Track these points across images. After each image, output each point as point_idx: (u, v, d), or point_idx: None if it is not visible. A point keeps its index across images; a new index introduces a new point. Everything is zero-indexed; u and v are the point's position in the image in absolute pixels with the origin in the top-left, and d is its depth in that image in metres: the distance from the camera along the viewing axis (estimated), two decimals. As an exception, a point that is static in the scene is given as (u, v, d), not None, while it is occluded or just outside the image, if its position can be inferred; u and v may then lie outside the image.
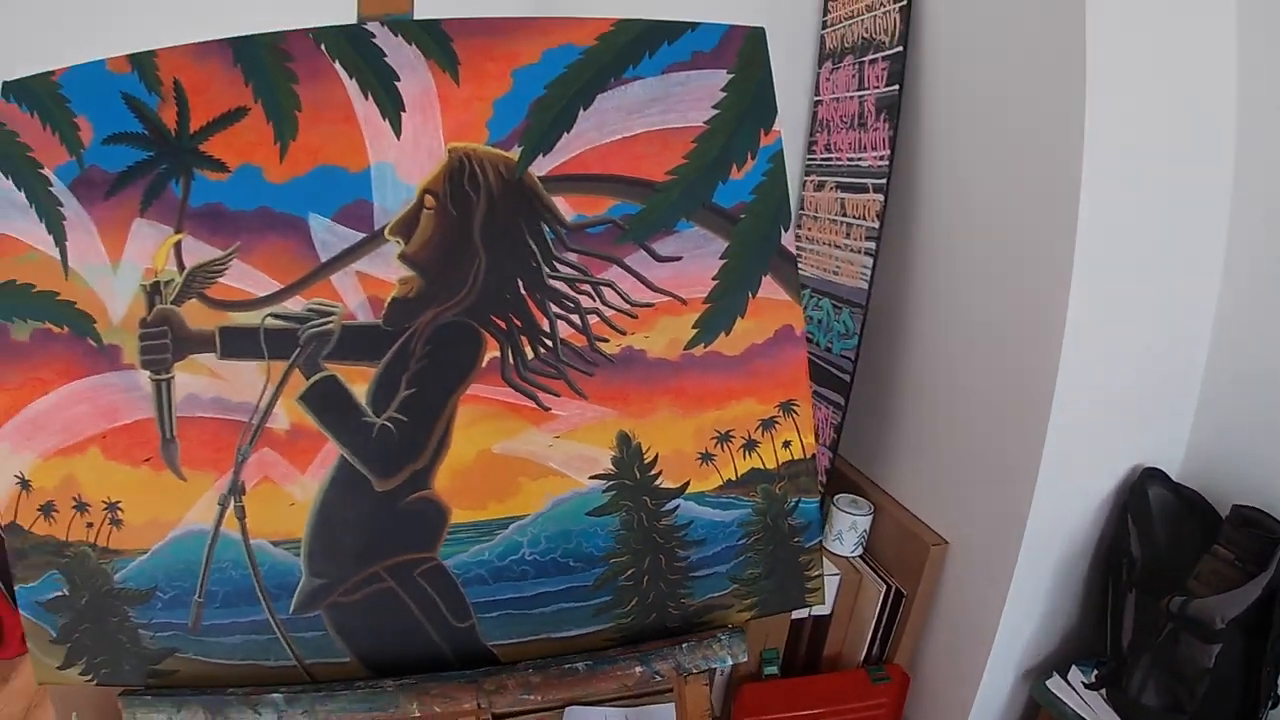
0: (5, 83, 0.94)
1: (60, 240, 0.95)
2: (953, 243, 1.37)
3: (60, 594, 0.98)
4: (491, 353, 0.97)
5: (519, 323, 0.97)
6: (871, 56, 1.47)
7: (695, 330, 0.99)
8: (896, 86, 1.39)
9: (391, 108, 0.93)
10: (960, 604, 1.40)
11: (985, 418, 1.30)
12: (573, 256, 0.97)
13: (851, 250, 1.49)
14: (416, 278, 0.95)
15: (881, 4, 1.43)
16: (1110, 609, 1.20)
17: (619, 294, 0.97)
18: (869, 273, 1.43)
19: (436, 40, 0.93)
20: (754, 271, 1.00)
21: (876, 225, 1.43)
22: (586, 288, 0.97)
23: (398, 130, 0.93)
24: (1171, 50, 1.05)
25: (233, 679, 1.00)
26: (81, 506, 0.97)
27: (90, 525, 0.97)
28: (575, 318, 0.97)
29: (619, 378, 0.98)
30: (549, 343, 0.97)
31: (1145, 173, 1.07)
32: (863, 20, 1.50)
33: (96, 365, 0.95)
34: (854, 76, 1.53)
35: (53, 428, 0.96)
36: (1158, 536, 1.13)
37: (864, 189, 1.47)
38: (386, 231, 0.94)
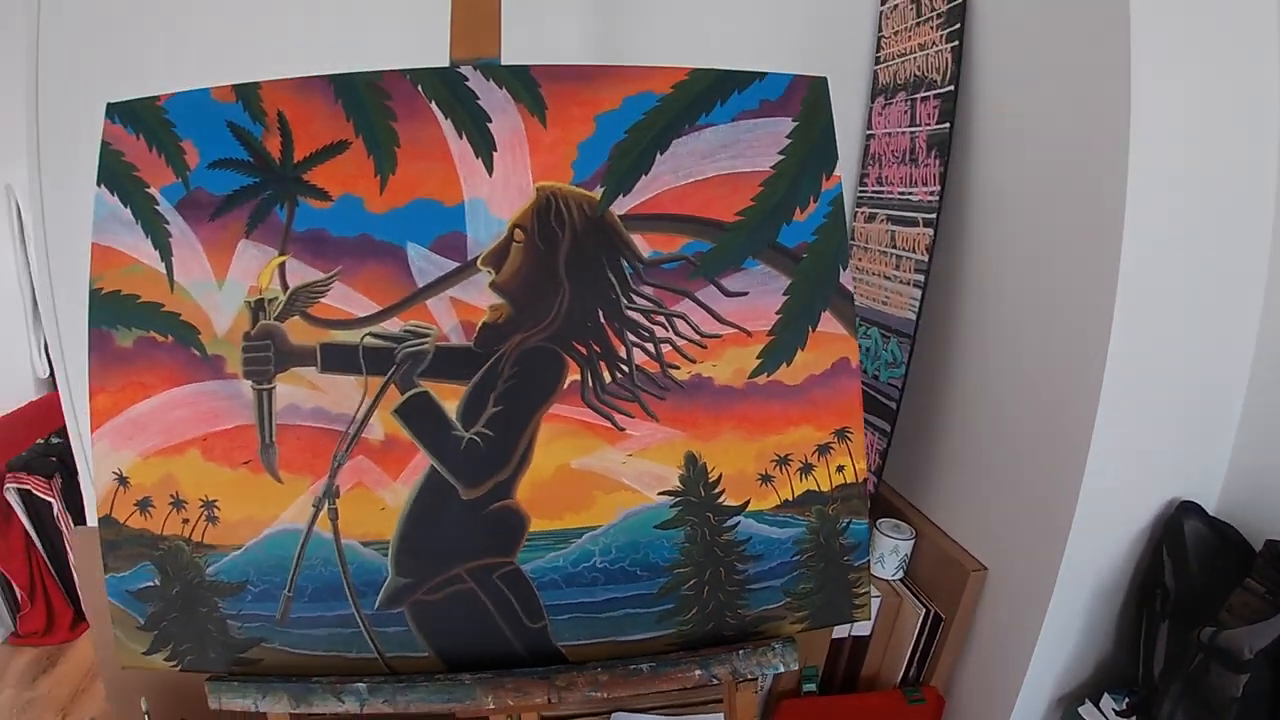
0: (110, 104, 1.01)
1: (166, 256, 1.01)
2: (999, 277, 1.40)
3: (151, 584, 1.04)
4: (572, 376, 1.03)
5: (598, 349, 1.02)
6: (924, 94, 1.51)
7: (759, 360, 1.04)
8: (948, 124, 1.43)
9: (484, 147, 1.00)
10: (997, 630, 1.42)
11: (1026, 449, 1.32)
12: (649, 290, 1.02)
13: (901, 281, 1.54)
14: (506, 305, 1.01)
15: (934, 43, 1.47)
16: (1143, 639, 1.22)
17: (690, 325, 1.03)
18: (917, 304, 1.47)
19: (525, 85, 1.00)
20: (814, 307, 1.05)
21: (926, 258, 1.47)
22: (660, 319, 1.02)
23: (490, 168, 1.00)
24: (1216, 94, 1.08)
25: (315, 669, 1.06)
26: (179, 504, 1.03)
27: (186, 521, 1.03)
28: (650, 346, 1.03)
29: (688, 402, 1.04)
30: (625, 368, 1.03)
31: (1188, 211, 1.10)
32: (915, 58, 1.54)
33: (200, 373, 1.02)
34: (906, 113, 1.57)
35: (153, 429, 1.02)
36: (1192, 569, 1.15)
37: (914, 223, 1.51)
38: (479, 262, 1.01)
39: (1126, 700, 1.23)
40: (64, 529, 2.93)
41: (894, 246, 1.59)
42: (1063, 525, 1.22)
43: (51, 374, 3.23)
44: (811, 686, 1.58)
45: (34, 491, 2.88)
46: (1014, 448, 1.37)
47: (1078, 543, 1.22)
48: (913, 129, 1.55)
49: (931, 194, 1.48)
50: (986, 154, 1.42)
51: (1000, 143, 1.39)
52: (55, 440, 3.06)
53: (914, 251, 1.52)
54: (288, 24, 1.54)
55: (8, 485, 2.87)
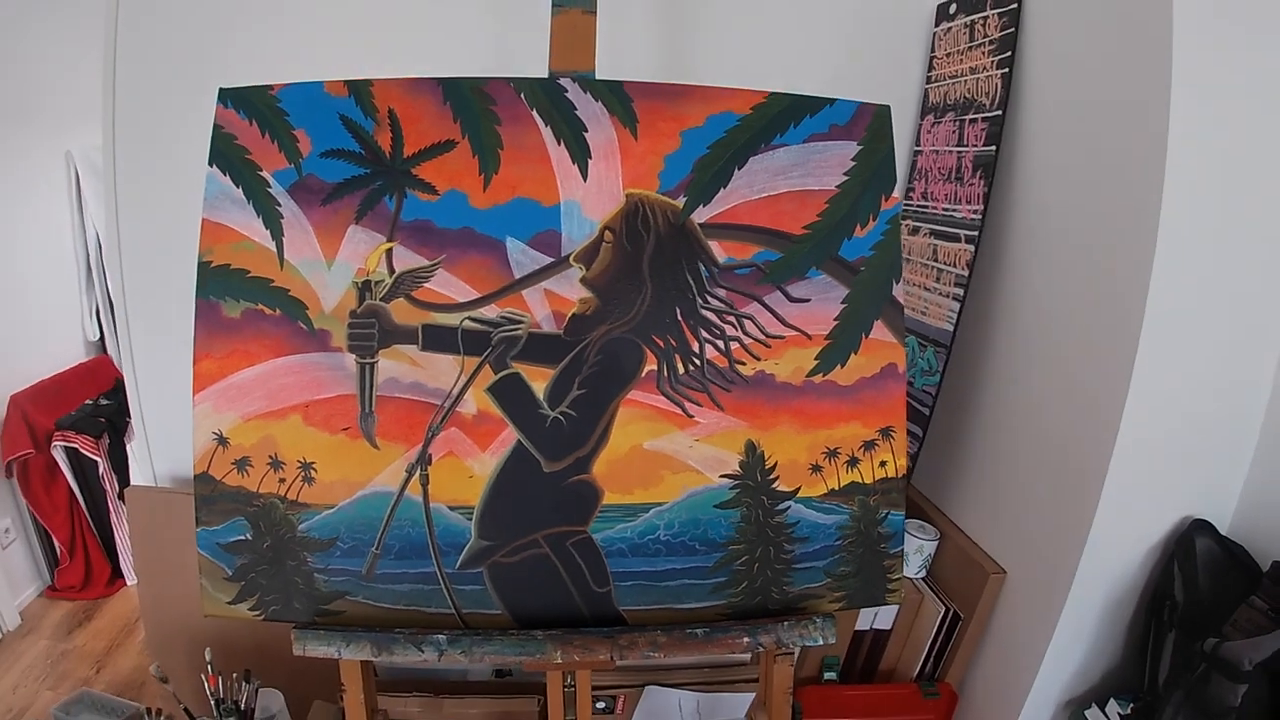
0: (223, 89, 1.07)
1: (277, 235, 1.08)
2: (1034, 295, 1.46)
3: (243, 538, 1.11)
4: (650, 366, 1.11)
5: (674, 343, 1.11)
6: (972, 116, 1.57)
7: (816, 361, 1.13)
8: (994, 147, 1.49)
9: (580, 154, 1.08)
10: (1012, 632, 1.48)
11: (1050, 461, 1.38)
12: (721, 292, 1.11)
13: (940, 294, 1.61)
14: (594, 299, 1.10)
15: (985, 68, 1.54)
16: (1150, 648, 1.28)
17: (757, 326, 1.12)
18: (955, 316, 1.55)
19: (619, 99, 1.08)
20: (868, 316, 1.13)
21: (966, 273, 1.54)
22: (731, 319, 1.11)
23: (585, 174, 1.08)
24: (1253, 128, 1.12)
25: (394, 622, 1.12)
26: (277, 464, 1.10)
27: (283, 480, 1.10)
28: (720, 343, 1.11)
29: (750, 395, 1.12)
30: (697, 361, 1.11)
31: (1216, 242, 1.15)
32: (966, 81, 1.60)
33: (306, 345, 1.08)
34: (954, 133, 1.63)
35: (257, 394, 1.09)
36: (1201, 584, 1.20)
37: (956, 238, 1.58)
38: (571, 258, 1.09)
39: (1131, 706, 1.29)
40: (108, 488, 3.03)
41: (935, 260, 1.67)
42: (1080, 535, 1.27)
43: (101, 337, 3.35)
44: (832, 675, 1.67)
45: (81, 450, 3.01)
46: (1039, 459, 1.43)
47: (1093, 553, 1.27)
48: (960, 149, 1.62)
49: (975, 212, 1.55)
50: (1029, 178, 1.48)
51: (1043, 168, 1.45)
52: (104, 401, 3.19)
53: (955, 266, 1.59)
54: (353, 13, 1.64)
55: (56, 443, 2.99)
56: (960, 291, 1.57)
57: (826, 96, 1.11)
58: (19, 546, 3.10)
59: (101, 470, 3.09)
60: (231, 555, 1.13)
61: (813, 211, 1.12)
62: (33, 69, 3.04)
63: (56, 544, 3.13)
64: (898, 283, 1.14)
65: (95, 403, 3.22)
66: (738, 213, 1.11)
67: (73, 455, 3.05)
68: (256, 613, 1.14)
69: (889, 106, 1.15)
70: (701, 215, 1.11)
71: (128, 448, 3.17)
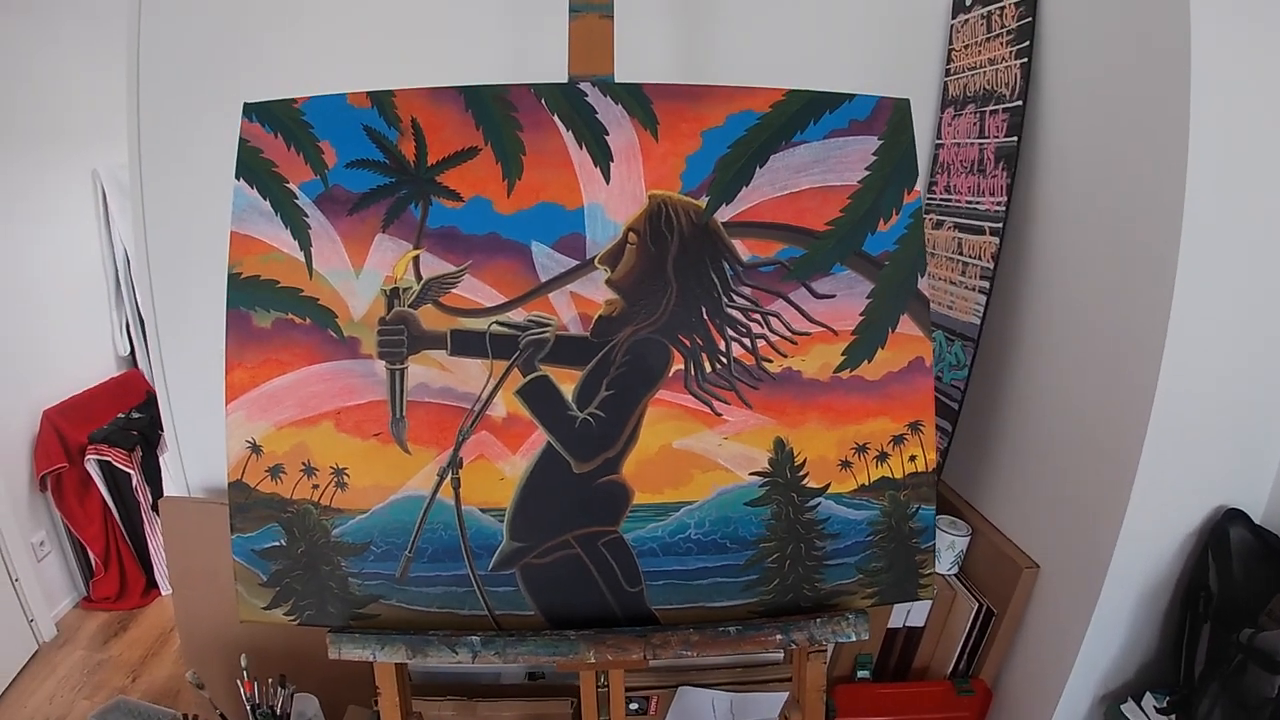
0: (247, 104, 1.08)
1: (305, 246, 1.08)
2: (1061, 286, 1.46)
3: (277, 544, 1.12)
4: (677, 365, 1.11)
5: (701, 342, 1.11)
6: (992, 107, 1.56)
7: (843, 357, 1.12)
8: (1015, 138, 1.49)
9: (602, 157, 1.08)
10: (1046, 626, 1.48)
11: (1081, 452, 1.38)
12: (747, 290, 1.11)
13: (966, 287, 1.62)
14: (620, 300, 1.10)
15: (1003, 59, 1.53)
16: (1185, 640, 1.28)
17: (783, 323, 1.11)
18: (982, 309, 1.55)
19: (639, 102, 1.08)
20: (894, 310, 1.13)
21: (991, 265, 1.54)
22: (757, 316, 1.11)
23: (607, 177, 1.09)
24: (1274, 114, 1.12)
25: (428, 624, 1.13)
26: (310, 470, 1.11)
27: (316, 487, 1.11)
28: (746, 341, 1.11)
29: (778, 393, 1.12)
30: (724, 360, 1.11)
31: (1244, 227, 1.14)
32: (985, 72, 1.59)
33: (336, 353, 1.09)
34: (975, 125, 1.63)
35: (288, 402, 1.10)
36: (1235, 574, 1.20)
37: (980, 231, 1.58)
38: (596, 260, 1.09)
39: (1168, 699, 1.29)
40: (141, 500, 3.07)
41: (960, 253, 1.66)
42: (1113, 527, 1.27)
43: (132, 352, 3.39)
44: (865, 673, 1.68)
45: (114, 463, 3.04)
46: (1069, 451, 1.43)
47: (1127, 545, 1.27)
48: (981, 141, 1.61)
49: (998, 204, 1.55)
50: (1052, 167, 1.48)
51: (1066, 157, 1.45)
52: (136, 414, 3.23)
53: (980, 258, 1.59)
54: (371, 22, 1.66)
55: (89, 456, 3.03)
56: (986, 284, 1.56)
57: (845, 92, 1.11)
58: (54, 559, 3.14)
59: (135, 482, 3.12)
60: (266, 561, 1.14)
61: (835, 207, 1.12)
62: (58, 88, 3.08)
63: (91, 556, 3.17)
64: (923, 276, 1.14)
65: (127, 416, 3.26)
66: (760, 210, 1.11)
67: (106, 468, 3.08)
68: (292, 617, 1.15)
69: (908, 100, 1.15)
70: (724, 214, 1.11)
71: (160, 459, 3.21)
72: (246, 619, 1.15)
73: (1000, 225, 1.53)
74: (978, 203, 1.61)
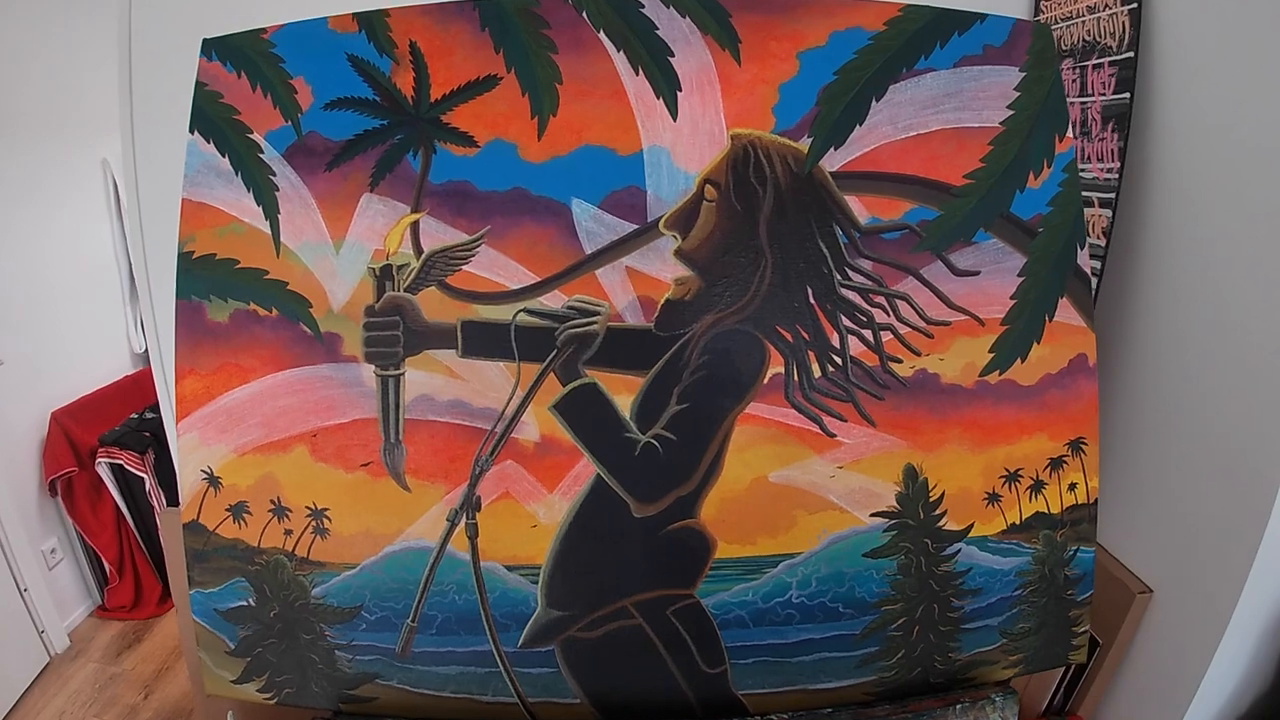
0: (206, 40, 0.87)
1: (271, 213, 0.87)
2: (1186, 268, 1.24)
3: (244, 604, 0.91)
4: (775, 368, 0.86)
5: (806, 335, 0.86)
6: (1096, 61, 1.33)
7: (992, 355, 0.88)
8: (1127, 94, 1.26)
9: (666, 86, 0.83)
10: (1158, 659, 1.27)
11: (1209, 460, 1.18)
12: (866, 264, 0.86)
13: None
14: (695, 278, 0.85)
15: (1107, 5, 1.29)
16: None
17: (914, 309, 0.86)
18: (1093, 294, 1.30)
19: (713, 14, 0.83)
20: (1051, 292, 0.91)
21: (1102, 243, 1.29)
22: (881, 300, 0.86)
23: (674, 111, 0.84)
24: None
25: (440, 712, 0.93)
26: (280, 511, 0.89)
27: (289, 533, 0.90)
28: (868, 333, 0.86)
29: (909, 404, 0.88)
30: (838, 360, 0.86)
31: None
32: (1084, 21, 1.35)
33: (310, 355, 0.87)
34: (1075, 81, 1.38)
35: (251, 421, 0.88)
36: None
37: (1089, 203, 1.33)
38: (662, 224, 0.84)
39: None
40: (155, 504, 2.91)
41: None
42: (1248, 548, 1.07)
43: (147, 349, 3.20)
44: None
45: (126, 466, 2.84)
46: (1198, 460, 1.22)
47: (1263, 568, 1.08)
48: (1084, 99, 1.37)
49: (1109, 171, 1.30)
50: (1173, 128, 1.26)
51: (1190, 116, 1.22)
52: (150, 415, 3.03)
53: (1089, 234, 1.33)
54: None
55: (100, 460, 2.83)
56: (1097, 264, 1.31)
57: (974, 11, 0.87)
58: (66, 566, 2.96)
59: (148, 486, 2.95)
60: (232, 625, 0.93)
61: (974, 156, 0.87)
62: (63, 77, 2.91)
63: (105, 564, 2.99)
64: (1082, 249, 0.92)
65: (140, 416, 3.09)
66: (880, 157, 0.86)
67: (118, 472, 2.91)
68: (268, 695, 0.94)
69: (1050, 26, 0.95)
70: (834, 161, 0.85)
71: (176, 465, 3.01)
72: (214, 693, 0.95)
73: (1112, 196, 1.30)
74: (1083, 170, 1.37)
